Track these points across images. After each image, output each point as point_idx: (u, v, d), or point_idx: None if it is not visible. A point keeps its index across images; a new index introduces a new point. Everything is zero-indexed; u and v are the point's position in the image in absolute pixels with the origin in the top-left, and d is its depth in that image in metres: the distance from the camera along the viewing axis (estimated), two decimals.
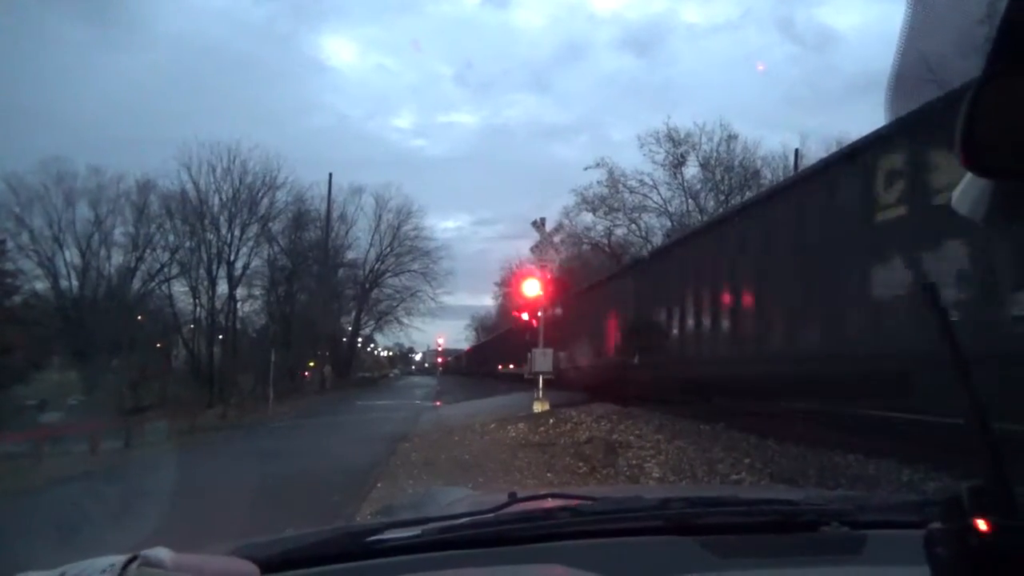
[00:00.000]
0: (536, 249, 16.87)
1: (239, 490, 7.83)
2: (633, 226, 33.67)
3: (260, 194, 34.23)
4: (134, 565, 0.76)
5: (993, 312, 5.11)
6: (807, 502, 1.33)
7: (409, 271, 46.74)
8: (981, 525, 0.66)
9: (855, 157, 7.12)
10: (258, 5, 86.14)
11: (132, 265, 33.00)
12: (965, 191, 0.66)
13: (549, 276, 16.54)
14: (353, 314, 47.46)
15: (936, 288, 0.78)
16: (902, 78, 0.63)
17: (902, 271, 6.03)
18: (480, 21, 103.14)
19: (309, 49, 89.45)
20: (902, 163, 6.20)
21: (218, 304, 33.66)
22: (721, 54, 73.34)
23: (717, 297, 10.18)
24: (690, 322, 11.18)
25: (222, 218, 33.36)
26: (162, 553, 0.79)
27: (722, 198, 31.56)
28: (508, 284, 47.02)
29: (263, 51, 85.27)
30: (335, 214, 41.23)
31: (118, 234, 32.95)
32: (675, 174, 32.78)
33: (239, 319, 35.54)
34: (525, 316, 18.28)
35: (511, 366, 30.92)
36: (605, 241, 34.41)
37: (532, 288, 16.35)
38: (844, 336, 6.94)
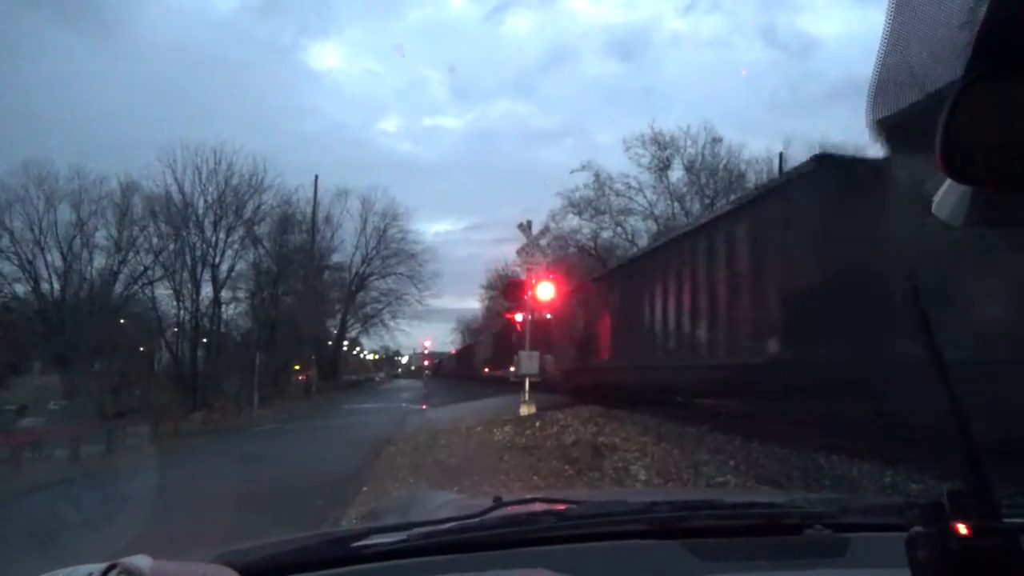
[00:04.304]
0: (522, 252, 16.87)
1: (222, 495, 7.76)
2: (619, 229, 33.85)
3: (246, 196, 34.01)
4: (113, 573, 0.75)
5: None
6: (791, 505, 1.33)
7: (395, 274, 46.66)
8: (961, 528, 0.66)
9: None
10: (245, 9, 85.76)
11: (115, 268, 32.65)
12: (945, 197, 0.66)
13: (535, 279, 16.54)
14: (339, 317, 47.27)
15: (918, 292, 0.78)
16: (883, 83, 0.64)
17: None
18: (466, 26, 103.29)
19: (297, 54, 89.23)
20: None
21: (202, 307, 33.39)
22: (704, 60, 73.90)
23: None
24: None
25: (207, 220, 33.08)
26: (141, 561, 0.77)
27: (707, 201, 31.77)
28: (495, 287, 47.08)
29: (250, 56, 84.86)
30: (321, 217, 41.05)
31: (100, 237, 32.58)
32: (660, 177, 33.00)
33: (223, 322, 35.28)
34: (518, 317, 17.87)
35: (491, 368, 30.90)
36: (591, 244, 34.52)
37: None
38: None
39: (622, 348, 14.02)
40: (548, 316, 18.48)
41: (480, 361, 37.42)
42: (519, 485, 7.71)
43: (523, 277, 16.68)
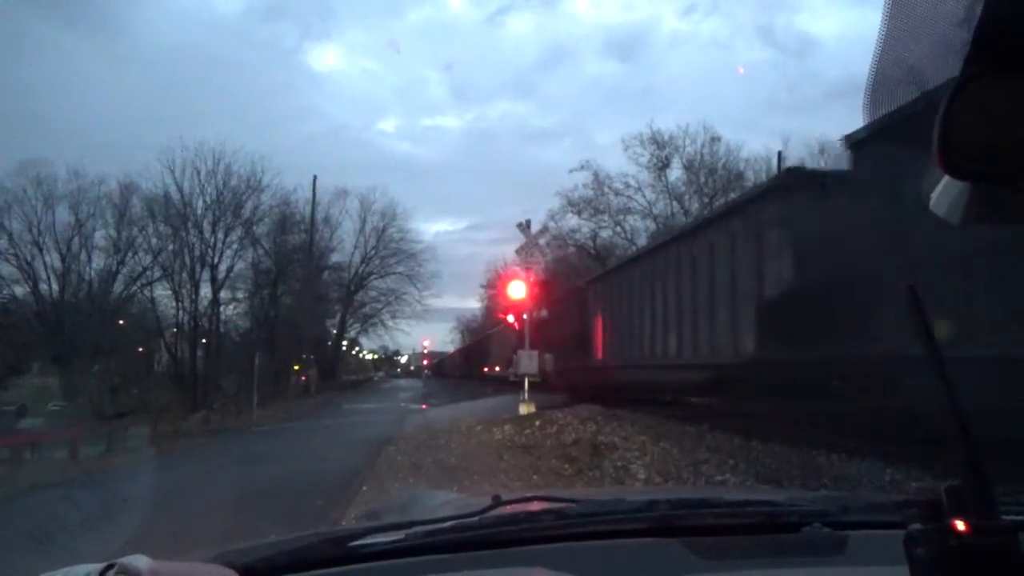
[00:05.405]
0: (521, 251, 16.87)
1: (222, 496, 7.76)
2: (618, 228, 33.89)
3: (244, 197, 33.97)
4: (111, 573, 0.75)
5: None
6: (790, 503, 1.33)
7: (394, 274, 46.62)
8: (960, 526, 0.66)
9: None
10: (247, 12, 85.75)
11: (113, 269, 32.61)
12: (943, 194, 0.66)
13: (534, 278, 16.56)
14: (338, 317, 47.26)
15: (917, 290, 0.78)
16: (880, 81, 0.64)
17: None
18: (466, 27, 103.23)
19: (298, 56, 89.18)
20: None
21: (201, 308, 33.34)
22: (703, 60, 73.82)
23: None
24: None
25: (206, 221, 33.03)
26: (139, 561, 0.77)
27: (706, 200, 31.80)
28: (494, 286, 47.11)
29: (252, 57, 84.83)
30: (320, 217, 40.99)
31: (99, 237, 32.53)
32: (659, 176, 33.09)
33: (223, 323, 35.25)
34: (510, 318, 17.90)
35: (496, 368, 30.75)
36: (591, 243, 34.56)
37: (517, 290, 16.33)
38: None
39: None
40: (544, 313, 18.47)
41: (496, 356, 36.10)
42: (519, 484, 7.71)
43: (522, 276, 16.69)
